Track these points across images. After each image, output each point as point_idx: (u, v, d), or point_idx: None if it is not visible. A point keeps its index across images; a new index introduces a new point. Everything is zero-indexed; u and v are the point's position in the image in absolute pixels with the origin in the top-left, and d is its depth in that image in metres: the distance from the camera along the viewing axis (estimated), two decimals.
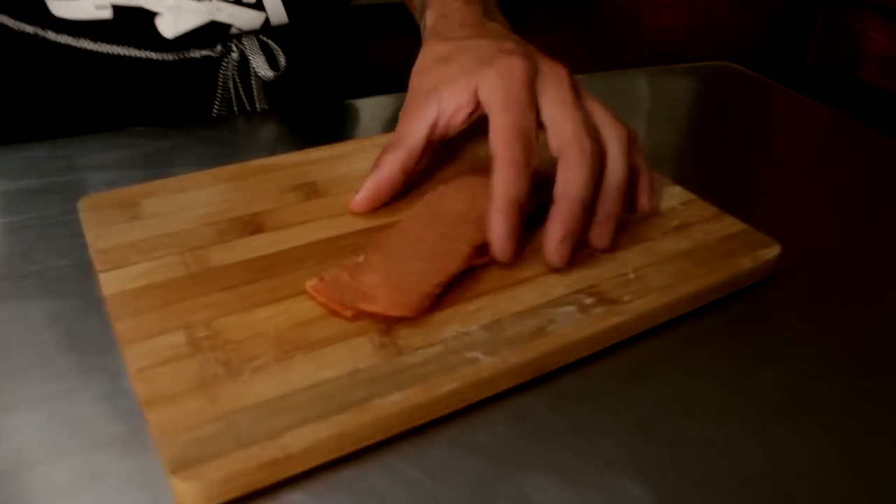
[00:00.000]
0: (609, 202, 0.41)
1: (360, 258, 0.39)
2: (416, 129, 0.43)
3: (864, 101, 1.51)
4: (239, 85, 0.62)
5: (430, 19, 0.49)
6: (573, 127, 0.40)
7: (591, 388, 0.36)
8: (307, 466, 0.31)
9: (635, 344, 0.39)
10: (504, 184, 0.39)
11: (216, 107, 0.62)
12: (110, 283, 0.38)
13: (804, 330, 0.41)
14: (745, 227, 0.46)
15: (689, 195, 0.49)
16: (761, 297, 0.44)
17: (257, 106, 0.63)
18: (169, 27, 0.56)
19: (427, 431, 0.33)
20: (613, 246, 0.43)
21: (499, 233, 0.39)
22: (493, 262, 0.40)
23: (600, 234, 0.42)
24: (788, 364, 0.39)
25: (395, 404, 0.32)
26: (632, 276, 0.41)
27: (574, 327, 0.37)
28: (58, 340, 0.37)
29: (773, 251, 0.44)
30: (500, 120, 0.40)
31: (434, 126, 0.43)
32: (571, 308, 0.38)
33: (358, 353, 0.34)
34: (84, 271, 0.41)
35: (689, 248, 0.44)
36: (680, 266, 0.42)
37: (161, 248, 0.40)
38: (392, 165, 0.43)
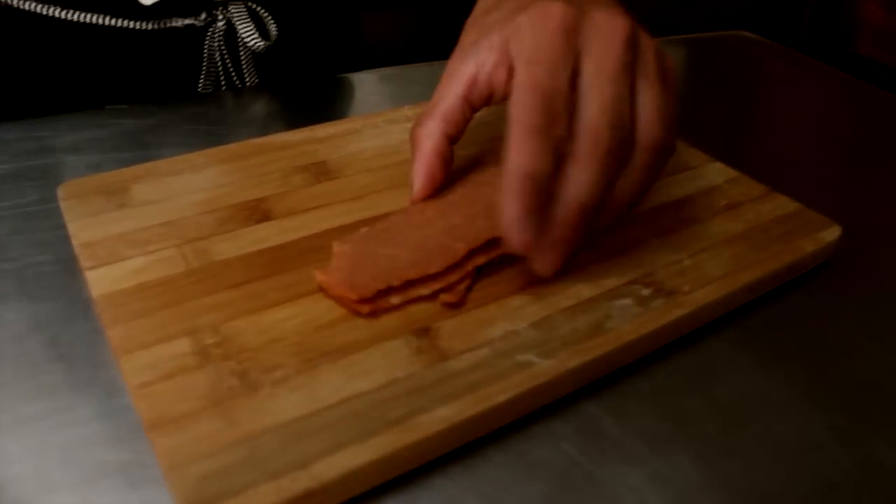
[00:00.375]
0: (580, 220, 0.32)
1: (364, 230, 0.35)
2: (451, 90, 0.36)
3: (860, 74, 1.49)
4: (226, 57, 0.56)
5: None
6: (597, 109, 0.32)
7: (656, 392, 0.32)
8: (345, 497, 0.26)
9: (695, 339, 0.35)
10: (518, 155, 0.31)
11: (202, 81, 0.56)
12: (99, 282, 0.33)
13: (874, 319, 0.38)
14: (800, 207, 0.42)
15: (733, 172, 0.45)
16: (822, 285, 0.40)
17: (246, 80, 0.58)
18: None
19: (480, 448, 0.29)
20: (663, 229, 0.39)
21: (510, 217, 0.31)
22: (506, 257, 0.35)
23: (545, 261, 0.33)
24: (866, 358, 0.35)
25: (443, 420, 0.27)
26: (687, 262, 0.37)
27: (634, 323, 0.33)
28: (43, 350, 0.31)
29: (833, 233, 0.40)
30: (521, 76, 0.32)
31: (472, 85, 0.35)
32: (628, 301, 0.34)
33: (393, 360, 0.30)
34: (67, 268, 0.36)
35: (743, 230, 0.40)
36: (737, 251, 0.38)
37: (155, 239, 0.35)
38: (429, 139, 0.36)
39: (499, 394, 0.29)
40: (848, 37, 1.54)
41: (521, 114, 0.31)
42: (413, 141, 0.37)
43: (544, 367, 0.30)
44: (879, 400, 0.33)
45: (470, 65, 0.35)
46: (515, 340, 0.31)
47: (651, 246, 0.38)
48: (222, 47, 0.55)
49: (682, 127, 0.43)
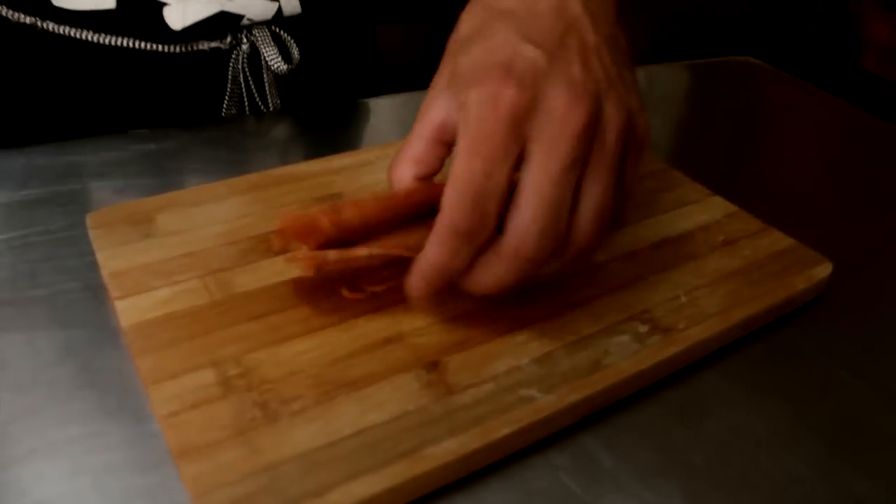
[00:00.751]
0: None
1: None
2: (420, 133, 0.35)
3: (865, 90, 1.50)
4: (250, 80, 0.58)
5: None
6: (530, 217, 0.30)
7: (649, 424, 0.34)
8: None
9: (689, 374, 0.37)
10: (435, 250, 0.31)
11: (226, 103, 0.58)
12: (128, 312, 0.35)
13: (860, 355, 0.39)
14: (794, 243, 0.44)
15: (732, 207, 0.47)
16: (812, 319, 0.41)
17: (269, 102, 0.60)
18: (177, 17, 0.52)
19: (483, 477, 0.31)
20: (663, 265, 0.41)
21: (414, 290, 0.33)
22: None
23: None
24: (849, 394, 0.37)
25: (450, 452, 0.30)
26: (684, 299, 0.39)
27: (632, 360, 0.35)
28: (74, 377, 0.34)
29: (825, 269, 0.42)
30: (457, 169, 0.30)
31: (441, 129, 0.34)
32: (626, 338, 0.36)
33: (404, 393, 0.32)
34: (96, 295, 0.38)
35: (740, 266, 0.42)
36: (732, 287, 0.40)
37: (180, 270, 0.37)
38: (400, 183, 0.35)
39: (502, 427, 0.31)
40: (853, 53, 1.56)
41: (450, 212, 0.30)
42: (389, 180, 0.36)
43: (545, 403, 0.32)
44: (861, 435, 0.35)
45: (439, 111, 0.34)
46: (518, 376, 0.33)
47: (650, 282, 0.40)
48: (246, 70, 0.58)
49: (682, 156, 0.44)
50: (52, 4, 0.50)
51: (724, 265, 0.42)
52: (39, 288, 0.38)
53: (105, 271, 0.37)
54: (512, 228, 0.31)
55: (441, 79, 0.35)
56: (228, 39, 0.56)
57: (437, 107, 0.34)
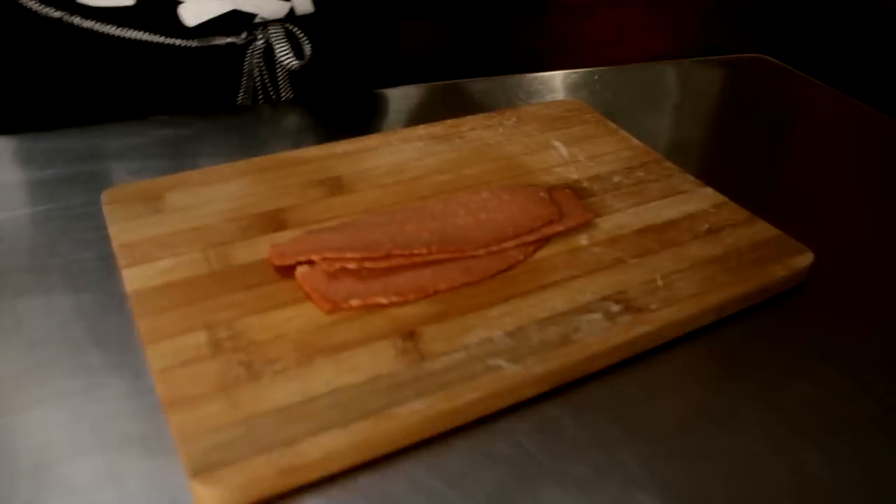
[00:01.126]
0: None
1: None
2: None
3: None
4: (264, 73, 0.61)
5: None
6: None
7: (615, 398, 0.36)
8: (325, 473, 0.31)
9: (661, 353, 0.38)
10: None
11: (241, 95, 0.61)
12: (133, 279, 0.38)
13: (835, 342, 0.40)
14: (778, 233, 0.45)
15: (721, 197, 0.48)
16: (792, 307, 0.43)
17: (282, 95, 0.63)
18: (191, 15, 0.55)
19: (447, 438, 0.33)
20: (643, 250, 0.42)
21: None
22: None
23: None
24: (817, 379, 0.38)
25: (415, 413, 0.32)
26: (660, 282, 0.40)
27: (600, 336, 0.36)
28: (83, 336, 0.37)
29: (805, 259, 0.43)
30: None
31: None
32: (598, 316, 0.38)
33: (379, 358, 0.34)
34: (108, 264, 0.41)
35: (720, 254, 0.43)
36: (709, 273, 0.41)
37: (184, 243, 0.40)
38: None
39: (467, 393, 0.33)
40: (891, 53, 1.54)
41: None
42: None
43: (511, 372, 0.34)
44: (821, 417, 0.36)
45: None
46: (489, 347, 0.35)
47: (628, 266, 0.41)
48: (261, 64, 0.61)
49: (681, 149, 0.46)
50: (77, 1, 0.53)
51: (704, 252, 0.43)
52: (57, 257, 0.42)
53: (115, 242, 0.40)
54: None
55: None
56: (243, 35, 0.59)
57: None
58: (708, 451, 0.33)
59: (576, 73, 0.69)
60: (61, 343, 0.36)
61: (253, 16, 0.57)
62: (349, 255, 0.38)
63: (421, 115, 0.61)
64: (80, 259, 0.41)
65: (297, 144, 0.56)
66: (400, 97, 0.64)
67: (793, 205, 0.53)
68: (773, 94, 0.71)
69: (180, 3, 0.54)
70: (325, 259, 0.38)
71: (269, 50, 0.60)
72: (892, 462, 0.34)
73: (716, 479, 0.32)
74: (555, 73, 0.69)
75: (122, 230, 0.41)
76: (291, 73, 0.62)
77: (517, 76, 0.67)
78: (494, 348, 0.35)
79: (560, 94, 0.65)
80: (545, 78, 0.67)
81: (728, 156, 0.60)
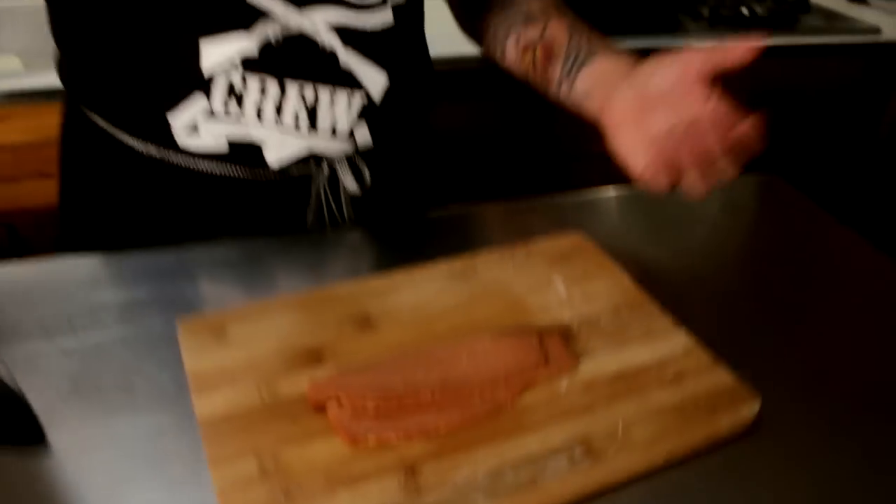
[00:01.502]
0: None
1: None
2: None
3: None
4: (329, 196, 0.72)
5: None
6: None
7: None
8: None
9: (616, 491, 0.47)
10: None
11: (308, 216, 0.72)
12: (201, 405, 0.49)
13: (773, 481, 0.48)
14: (733, 382, 0.53)
15: (691, 342, 0.57)
16: (740, 449, 0.51)
17: (345, 215, 0.73)
18: (274, 158, 0.66)
19: None
20: (613, 396, 0.51)
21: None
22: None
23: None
24: None
25: None
26: (620, 429, 0.49)
27: (561, 480, 0.46)
28: (164, 452, 0.47)
29: (752, 409, 0.52)
30: None
31: None
32: (562, 460, 0.47)
33: (386, 491, 0.44)
34: (182, 387, 0.52)
35: (679, 401, 0.52)
36: (665, 422, 0.50)
37: (242, 376, 0.51)
38: None
39: None
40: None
41: None
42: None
43: None
44: None
45: None
46: (473, 484, 0.45)
47: (596, 413, 0.50)
48: (326, 188, 0.71)
49: (672, 278, 0.54)
50: (177, 145, 0.64)
51: (666, 399, 0.52)
52: (143, 378, 0.53)
53: (188, 369, 0.51)
54: None
55: None
56: (312, 165, 0.69)
57: None
58: None
59: (586, 198, 0.79)
60: (146, 459, 0.47)
61: (322, 156, 0.68)
62: (369, 397, 0.48)
63: (467, 237, 0.72)
64: (161, 381, 0.52)
65: (352, 267, 0.67)
66: (450, 223, 0.75)
67: (767, 346, 0.61)
68: (777, 224, 0.79)
69: (264, 148, 0.65)
70: (349, 398, 0.48)
71: (333, 177, 0.71)
72: None
73: None
74: (568, 197, 0.79)
75: (193, 358, 0.52)
76: (353, 198, 0.73)
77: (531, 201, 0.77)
78: (476, 486, 0.45)
79: (579, 216, 0.75)
80: (560, 202, 0.77)
81: (719, 285, 0.68)
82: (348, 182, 0.70)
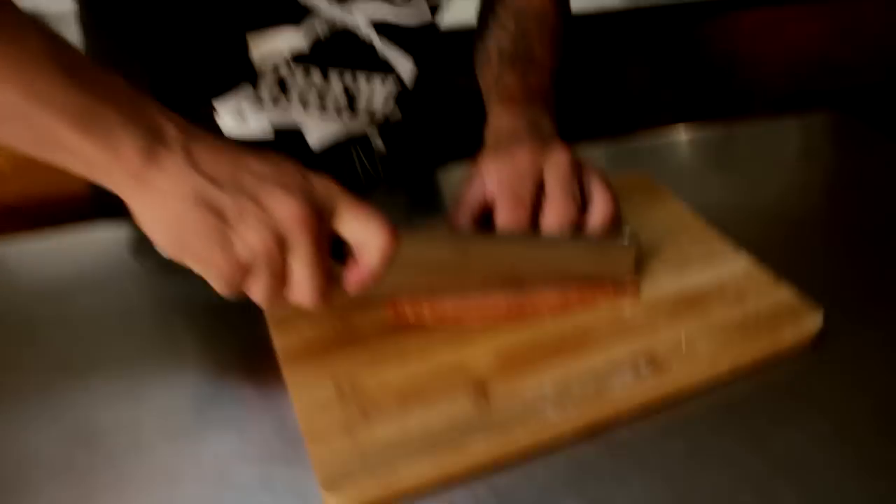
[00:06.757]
0: None
1: None
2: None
3: None
4: (363, 157, 0.75)
5: None
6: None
7: (638, 439, 0.46)
8: (418, 493, 0.43)
9: (679, 403, 0.48)
10: None
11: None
12: (280, 339, 0.52)
13: (833, 397, 0.49)
14: (795, 298, 0.54)
15: (753, 263, 0.57)
16: (802, 362, 0.51)
17: (379, 173, 0.77)
18: (315, 140, 0.70)
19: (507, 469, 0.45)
20: (675, 310, 0.52)
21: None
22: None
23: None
24: (805, 428, 0.47)
25: (480, 448, 0.44)
26: (684, 344, 0.50)
27: (627, 393, 0.47)
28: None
29: (815, 323, 0.52)
30: None
31: None
32: (627, 373, 0.48)
33: (458, 405, 0.46)
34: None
35: (740, 317, 0.52)
36: (728, 336, 0.51)
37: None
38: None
39: (520, 435, 0.44)
40: None
41: None
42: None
43: (553, 420, 0.45)
44: (801, 459, 0.45)
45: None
46: (541, 397, 0.47)
47: (658, 326, 0.51)
48: (359, 150, 0.75)
49: (735, 211, 0.55)
50: (221, 132, 0.67)
51: (727, 315, 0.52)
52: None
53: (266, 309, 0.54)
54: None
55: None
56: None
57: None
58: (697, 485, 0.43)
59: (653, 142, 0.79)
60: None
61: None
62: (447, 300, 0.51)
63: None
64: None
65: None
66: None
67: (829, 266, 0.61)
68: (843, 157, 0.77)
69: (305, 132, 0.69)
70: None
71: (366, 141, 0.74)
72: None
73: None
74: (634, 140, 0.79)
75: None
76: (382, 157, 0.76)
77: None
78: (545, 397, 0.46)
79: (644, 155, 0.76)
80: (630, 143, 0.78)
81: (781, 218, 0.68)
82: (378, 144, 0.75)
